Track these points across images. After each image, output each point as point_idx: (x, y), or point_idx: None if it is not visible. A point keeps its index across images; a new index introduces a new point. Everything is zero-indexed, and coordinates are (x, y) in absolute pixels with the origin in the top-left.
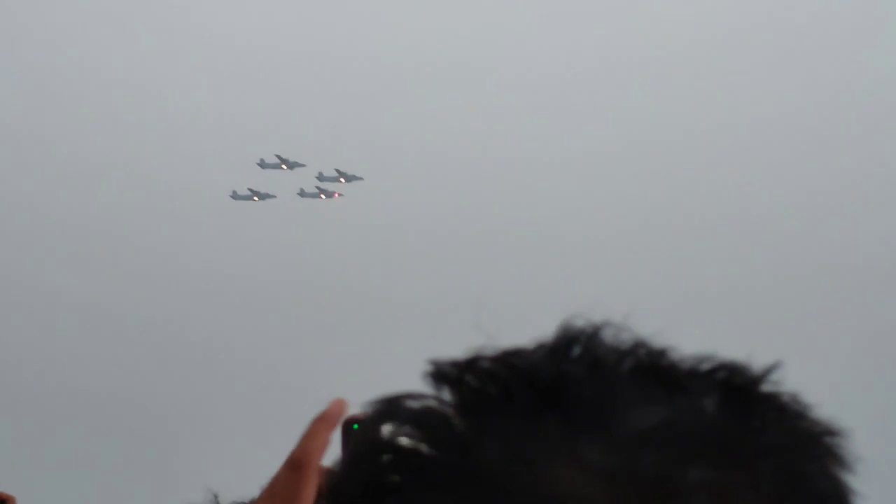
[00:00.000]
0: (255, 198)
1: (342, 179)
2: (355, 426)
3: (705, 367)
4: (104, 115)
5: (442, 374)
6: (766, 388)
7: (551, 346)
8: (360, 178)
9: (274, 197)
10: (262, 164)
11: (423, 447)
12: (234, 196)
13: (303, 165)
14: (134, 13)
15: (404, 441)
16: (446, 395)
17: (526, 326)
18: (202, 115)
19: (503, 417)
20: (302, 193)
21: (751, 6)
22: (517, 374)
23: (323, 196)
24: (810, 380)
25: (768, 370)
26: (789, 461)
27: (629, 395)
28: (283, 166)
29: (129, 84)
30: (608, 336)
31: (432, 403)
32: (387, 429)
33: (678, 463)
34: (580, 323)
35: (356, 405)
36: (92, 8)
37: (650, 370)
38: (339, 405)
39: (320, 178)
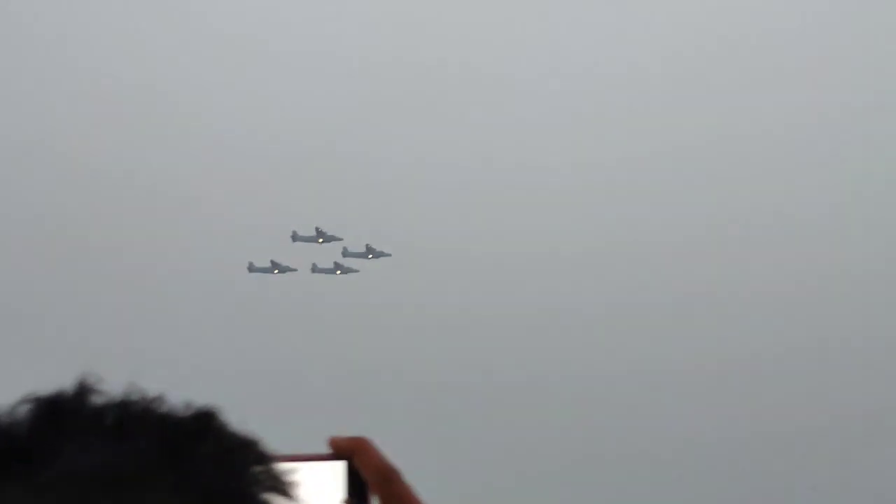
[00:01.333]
0: (276, 270)
1: (370, 255)
2: None
3: (155, 410)
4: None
5: None
6: (203, 425)
7: (34, 403)
8: (388, 255)
9: (294, 270)
10: (295, 237)
11: None
12: (251, 268)
13: (339, 239)
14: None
15: None
16: None
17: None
18: (241, 183)
19: None
20: (314, 269)
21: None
22: None
23: (339, 272)
24: None
25: (204, 411)
26: (218, 492)
27: (75, 443)
28: (321, 240)
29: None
30: (94, 390)
31: None
32: None
33: (98, 498)
34: (85, 379)
35: None
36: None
37: (110, 418)
38: None
39: (345, 253)
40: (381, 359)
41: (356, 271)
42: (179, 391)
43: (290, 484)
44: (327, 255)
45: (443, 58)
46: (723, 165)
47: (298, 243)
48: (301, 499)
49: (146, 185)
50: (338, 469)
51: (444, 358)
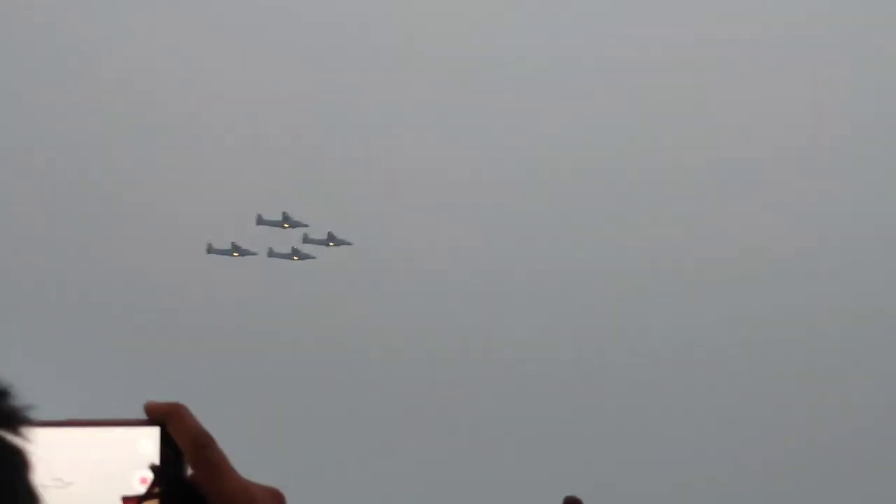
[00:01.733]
0: (236, 253)
1: (331, 243)
2: None
3: None
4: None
5: None
6: None
7: None
8: (349, 244)
9: (254, 254)
10: (260, 220)
11: None
12: (210, 250)
13: (305, 225)
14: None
15: None
16: None
17: None
18: (215, 163)
19: None
20: (271, 253)
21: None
22: None
23: (296, 258)
24: None
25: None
26: None
27: None
28: (286, 224)
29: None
30: None
31: None
32: None
33: None
34: None
35: None
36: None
37: None
38: None
39: (305, 239)
40: (317, 341)
41: (313, 258)
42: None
43: (22, 420)
44: (291, 241)
45: (437, 49)
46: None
47: (263, 227)
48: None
49: (111, 163)
50: (153, 435)
51: (379, 344)
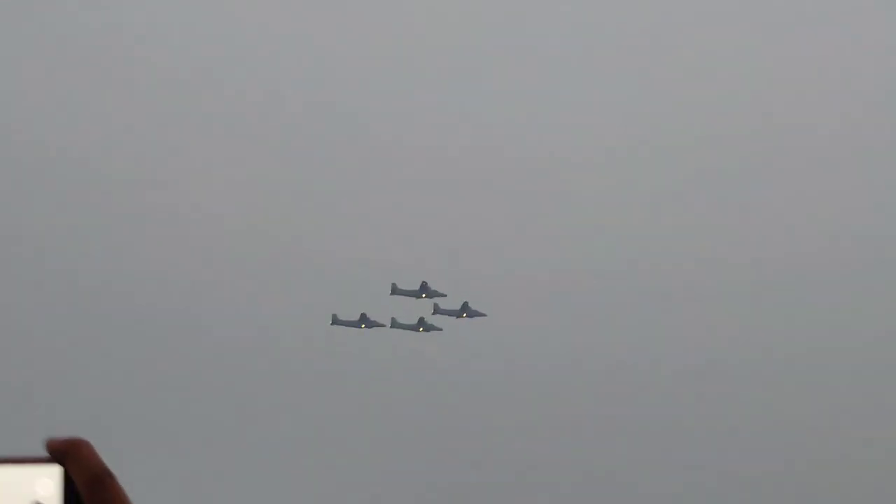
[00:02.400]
0: (363, 325)
1: (464, 314)
2: None
3: None
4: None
5: None
6: None
7: None
8: (483, 315)
9: (382, 325)
10: (395, 290)
11: None
12: (335, 321)
13: (443, 295)
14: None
15: None
16: None
17: None
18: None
19: None
20: (394, 324)
21: None
22: None
23: (421, 329)
24: None
25: None
26: None
27: None
28: (423, 294)
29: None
30: None
31: None
32: None
33: None
34: None
35: None
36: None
37: None
38: None
39: (436, 310)
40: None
41: (439, 329)
42: None
43: None
44: (426, 312)
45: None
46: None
47: (397, 297)
48: None
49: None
50: (55, 474)
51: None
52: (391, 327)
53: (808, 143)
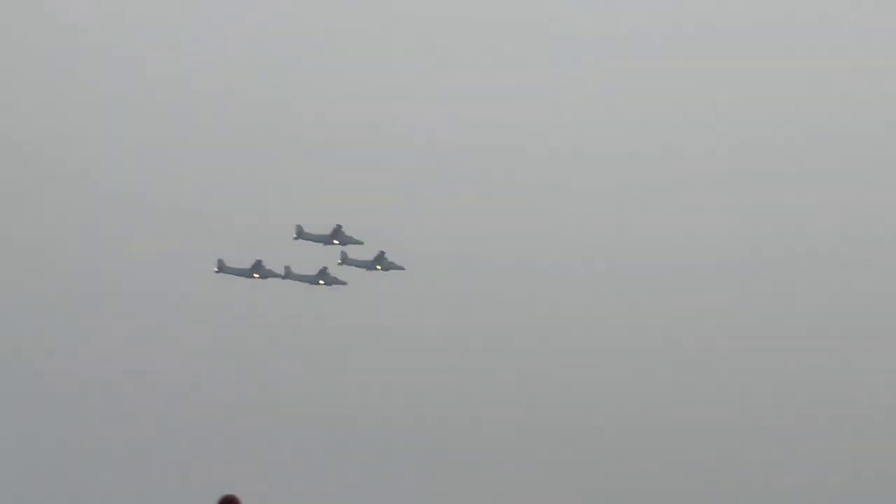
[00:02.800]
0: (256, 275)
1: (378, 266)
2: None
3: None
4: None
5: None
6: None
7: None
8: (401, 269)
9: (278, 276)
10: (300, 234)
11: None
12: (222, 268)
13: (359, 243)
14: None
15: None
16: None
17: None
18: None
19: None
20: (288, 274)
21: None
22: None
23: (322, 282)
24: None
25: None
26: None
27: None
28: (336, 241)
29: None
30: None
31: None
32: None
33: None
34: None
35: None
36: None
37: None
38: None
39: (344, 259)
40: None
41: (343, 283)
42: None
43: None
44: (325, 260)
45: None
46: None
47: (302, 241)
48: None
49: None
50: None
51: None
52: (284, 278)
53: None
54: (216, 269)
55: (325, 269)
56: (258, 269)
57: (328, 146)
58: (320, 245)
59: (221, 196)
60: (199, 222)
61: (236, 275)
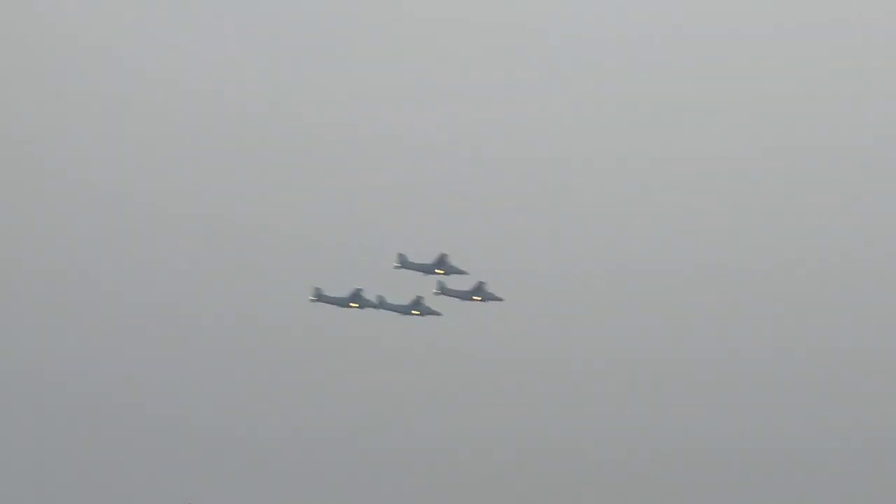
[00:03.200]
0: (353, 303)
1: (477, 297)
2: None
3: None
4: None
5: None
6: None
7: None
8: (500, 300)
9: (376, 307)
10: (403, 262)
11: None
12: (319, 296)
13: (463, 272)
14: None
15: None
16: None
17: None
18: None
19: None
20: (381, 304)
21: None
22: None
23: (415, 312)
24: None
25: None
26: None
27: None
28: (439, 270)
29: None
30: None
31: None
32: None
33: None
34: None
35: None
36: None
37: None
38: None
39: (440, 289)
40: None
41: (437, 314)
42: None
43: None
44: (426, 289)
45: None
46: None
47: (404, 271)
48: None
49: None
50: None
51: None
52: (377, 307)
53: None
54: (313, 298)
55: (419, 298)
56: (356, 299)
57: (431, 176)
58: (421, 275)
59: (319, 221)
60: (294, 247)
61: (333, 304)
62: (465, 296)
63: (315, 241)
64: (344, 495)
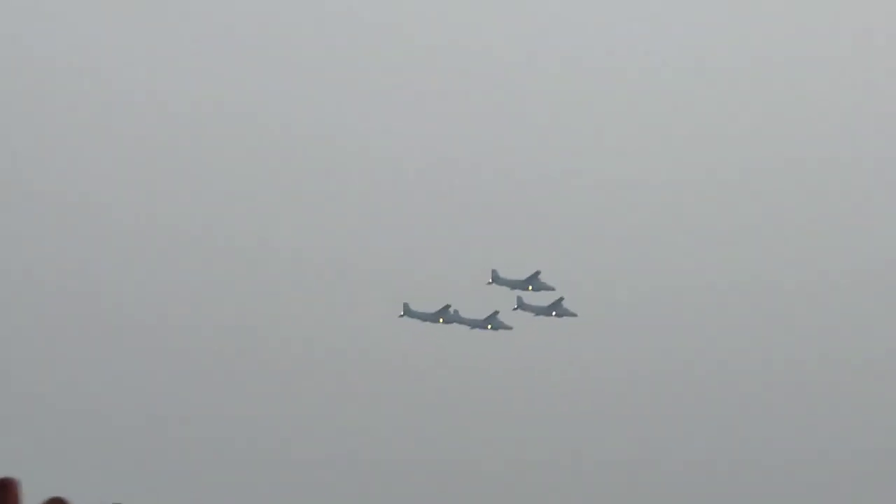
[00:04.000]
0: (441, 319)
1: (554, 312)
2: None
3: None
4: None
5: None
6: None
7: None
8: (574, 315)
9: (462, 322)
10: (496, 279)
11: None
12: (407, 311)
13: (551, 289)
14: None
15: None
16: None
17: None
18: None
19: None
20: (453, 317)
21: None
22: None
23: (490, 327)
24: None
25: None
26: None
27: None
28: (529, 287)
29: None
30: None
31: None
32: None
33: None
34: None
35: None
36: None
37: None
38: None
39: (519, 304)
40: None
41: (508, 328)
42: None
43: None
44: (508, 306)
45: None
46: None
47: (495, 287)
48: None
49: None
50: None
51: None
52: (446, 323)
53: None
54: (401, 314)
55: (495, 313)
56: (444, 314)
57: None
58: (511, 290)
59: (408, 240)
60: (387, 265)
61: (421, 319)
62: (542, 311)
63: (406, 259)
64: None
